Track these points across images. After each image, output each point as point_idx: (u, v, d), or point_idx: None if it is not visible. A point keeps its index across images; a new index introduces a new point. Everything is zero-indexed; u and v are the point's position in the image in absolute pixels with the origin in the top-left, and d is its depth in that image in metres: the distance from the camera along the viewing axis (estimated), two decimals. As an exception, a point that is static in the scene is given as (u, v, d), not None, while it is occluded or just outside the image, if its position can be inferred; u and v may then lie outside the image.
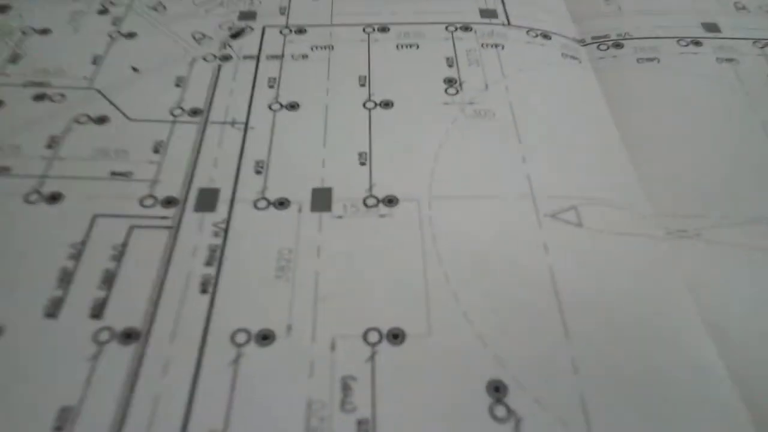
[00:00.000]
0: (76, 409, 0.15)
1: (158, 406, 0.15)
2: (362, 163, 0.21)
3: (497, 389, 0.16)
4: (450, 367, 0.16)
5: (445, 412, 0.16)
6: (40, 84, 0.24)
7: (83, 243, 0.19)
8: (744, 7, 0.30)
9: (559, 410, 0.16)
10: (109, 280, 0.18)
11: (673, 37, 0.28)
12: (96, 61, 0.25)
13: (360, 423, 0.15)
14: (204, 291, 0.18)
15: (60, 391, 0.16)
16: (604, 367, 0.17)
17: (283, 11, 0.28)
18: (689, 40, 0.28)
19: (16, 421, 0.15)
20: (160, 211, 0.20)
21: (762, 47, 0.27)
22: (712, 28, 0.29)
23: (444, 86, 0.24)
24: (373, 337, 0.17)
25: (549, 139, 0.23)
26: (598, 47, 0.28)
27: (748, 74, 0.26)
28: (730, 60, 0.27)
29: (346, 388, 0.16)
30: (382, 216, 0.20)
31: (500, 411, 0.16)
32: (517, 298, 0.18)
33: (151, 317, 0.17)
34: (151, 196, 0.20)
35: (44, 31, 0.26)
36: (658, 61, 0.27)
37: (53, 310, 0.17)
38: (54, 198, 0.20)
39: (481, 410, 0.16)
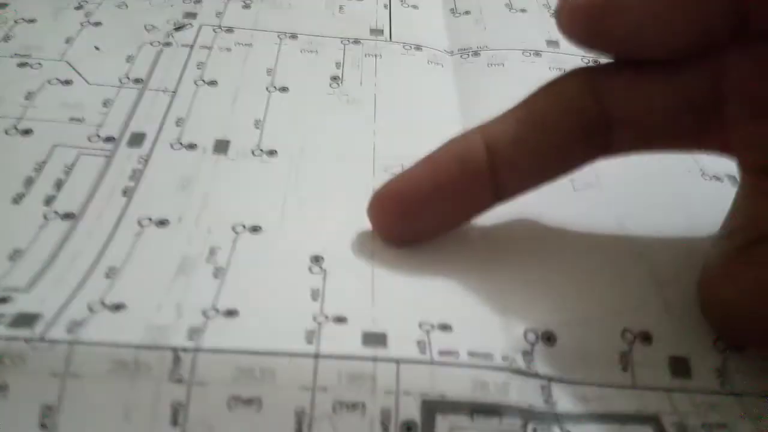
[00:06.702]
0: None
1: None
2: (256, 127, 0.29)
3: (317, 259, 0.24)
4: (286, 248, 0.24)
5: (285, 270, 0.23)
6: (24, 56, 0.32)
7: (44, 162, 0.26)
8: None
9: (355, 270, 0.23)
10: (59, 184, 0.26)
11: (520, 49, 0.36)
12: (68, 41, 0.33)
13: (217, 270, 0.23)
14: (124, 195, 0.25)
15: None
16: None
17: (219, 15, 0.36)
18: (532, 52, 0.36)
19: None
20: (102, 145, 0.28)
21: (587, 63, 0.36)
22: (553, 44, 0.37)
23: (329, 81, 0.32)
24: (239, 228, 0.25)
25: (400, 119, 0.31)
26: (461, 56, 0.36)
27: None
28: (559, 69, 0.35)
29: (212, 253, 0.23)
30: (263, 162, 0.28)
31: (316, 269, 0.23)
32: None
33: (86, 203, 0.25)
34: (97, 135, 0.28)
35: (31, 20, 0.34)
36: (503, 66, 0.35)
37: (18, 199, 0.25)
38: (26, 132, 0.28)
39: (304, 271, 0.23)
